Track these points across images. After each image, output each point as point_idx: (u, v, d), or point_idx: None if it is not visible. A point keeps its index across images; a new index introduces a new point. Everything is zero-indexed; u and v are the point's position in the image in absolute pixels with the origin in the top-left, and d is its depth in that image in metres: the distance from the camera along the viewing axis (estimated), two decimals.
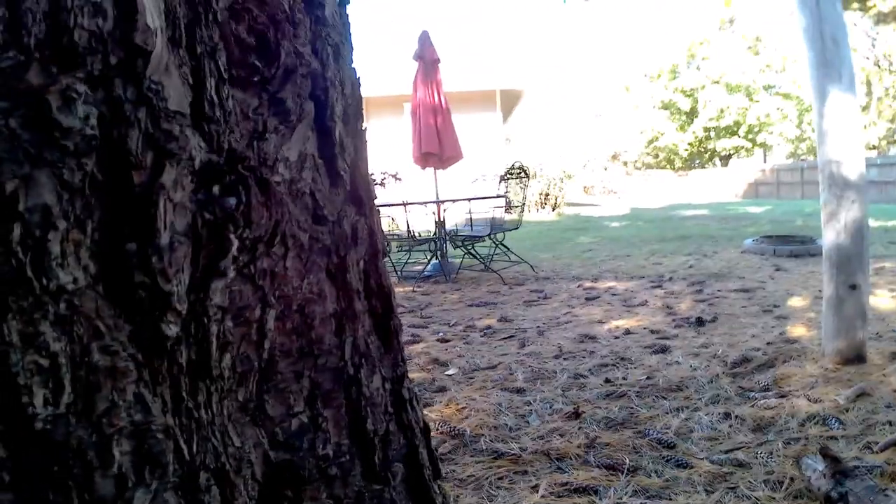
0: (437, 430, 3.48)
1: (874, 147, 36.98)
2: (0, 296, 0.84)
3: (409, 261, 10.39)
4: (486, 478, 2.94)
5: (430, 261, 9.84)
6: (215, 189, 1.07)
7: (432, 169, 10.35)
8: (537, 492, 2.73)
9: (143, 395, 0.98)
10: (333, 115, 1.38)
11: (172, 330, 1.01)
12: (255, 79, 1.17)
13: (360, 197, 1.49)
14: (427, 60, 9.87)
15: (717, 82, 45.05)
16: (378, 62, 23.55)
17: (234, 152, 1.11)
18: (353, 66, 1.51)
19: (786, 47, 41.59)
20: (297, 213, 1.27)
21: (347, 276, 1.41)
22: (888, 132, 36.46)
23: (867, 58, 34.92)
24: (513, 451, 3.13)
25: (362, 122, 1.55)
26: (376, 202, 1.63)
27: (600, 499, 2.63)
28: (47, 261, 0.86)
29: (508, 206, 9.82)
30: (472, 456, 3.20)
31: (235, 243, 1.11)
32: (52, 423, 0.89)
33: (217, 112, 1.08)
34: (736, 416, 3.42)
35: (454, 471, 3.07)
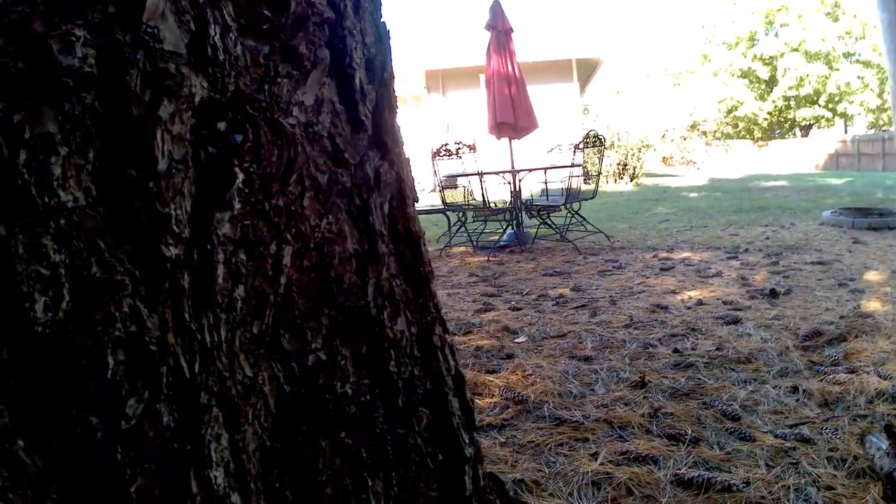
0: (502, 395, 3.48)
1: None
2: (7, 212, 0.91)
3: (485, 231, 10.36)
4: (547, 444, 2.93)
5: (505, 230, 9.77)
6: (221, 125, 1.13)
7: (507, 139, 10.28)
8: (596, 459, 2.71)
9: (139, 309, 1.03)
10: (353, 62, 1.41)
11: (171, 251, 1.06)
12: (265, 27, 1.23)
13: (385, 142, 1.52)
14: (500, 30, 9.78)
15: (797, 50, 43.70)
16: (454, 34, 23.47)
17: (241, 94, 1.17)
18: (380, 19, 1.54)
19: (864, 13, 40.12)
20: (315, 154, 1.31)
21: (370, 218, 1.45)
22: None
23: None
24: (575, 419, 3.10)
25: (390, 71, 1.57)
26: (404, 149, 1.64)
27: (659, 468, 2.60)
28: (49, 181, 0.94)
29: (585, 176, 9.71)
30: (533, 422, 3.19)
31: (241, 176, 1.16)
32: (51, 327, 0.94)
33: (221, 56, 1.14)
34: (804, 391, 3.33)
35: (515, 436, 3.06)
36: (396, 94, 1.61)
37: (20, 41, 0.91)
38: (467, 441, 1.76)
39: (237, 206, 1.15)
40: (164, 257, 1.04)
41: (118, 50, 0.99)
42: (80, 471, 0.97)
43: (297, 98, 1.26)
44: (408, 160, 1.66)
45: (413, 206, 1.67)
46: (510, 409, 3.34)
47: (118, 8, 0.99)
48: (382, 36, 1.53)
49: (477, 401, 3.46)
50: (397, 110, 1.62)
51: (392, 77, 1.58)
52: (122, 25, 0.99)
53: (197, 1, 1.09)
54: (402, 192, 1.59)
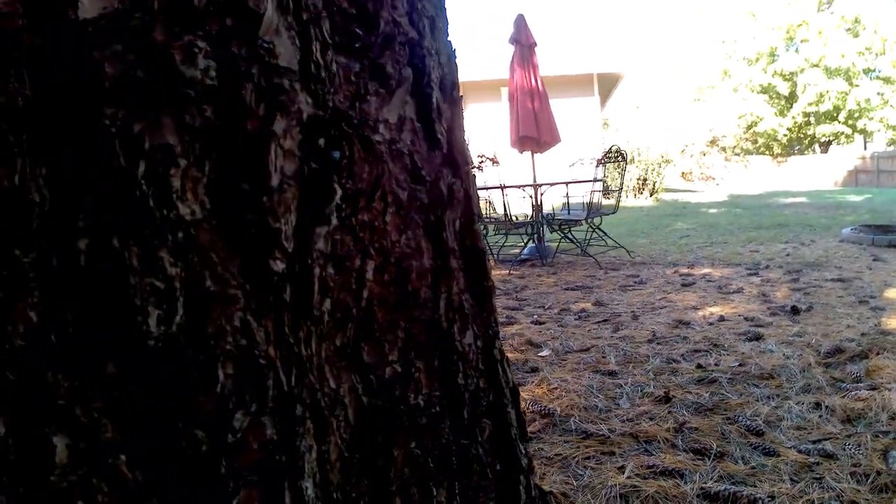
0: (528, 409, 3.49)
1: None
2: (121, 224, 0.92)
3: (506, 244, 10.40)
4: (574, 457, 2.95)
5: (526, 244, 9.78)
6: (321, 141, 1.15)
7: (530, 153, 10.31)
8: (623, 473, 2.74)
9: (249, 322, 1.05)
10: (430, 81, 1.44)
11: (279, 266, 1.08)
12: (357, 45, 1.25)
13: (457, 160, 1.55)
14: (523, 44, 9.80)
15: (817, 65, 43.46)
16: (476, 47, 23.52)
17: (338, 111, 1.19)
18: (448, 38, 1.58)
19: (885, 29, 39.93)
20: (397, 171, 1.34)
21: (444, 234, 1.48)
22: None
23: None
24: (601, 432, 3.14)
25: (458, 90, 1.61)
26: (472, 169, 1.68)
27: (685, 482, 2.63)
28: (168, 194, 0.95)
29: (606, 191, 9.73)
30: (560, 435, 3.21)
31: (339, 192, 1.19)
32: (164, 341, 0.96)
33: (322, 73, 1.16)
34: (826, 407, 3.35)
35: (542, 449, 3.08)
36: None
37: (140, 49, 0.92)
38: (523, 452, 1.80)
39: (334, 221, 1.18)
40: (271, 271, 1.07)
41: (234, 64, 1.00)
42: (182, 485, 0.99)
43: (383, 115, 1.29)
44: (474, 177, 1.69)
45: (478, 222, 1.69)
46: (537, 423, 3.36)
47: (235, 21, 1.00)
48: (451, 55, 1.57)
49: None
50: (465, 130, 1.66)
51: (461, 96, 1.61)
52: (239, 39, 1.01)
53: (301, 18, 1.10)
54: (470, 209, 1.62)
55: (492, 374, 1.69)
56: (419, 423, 1.42)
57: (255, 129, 1.04)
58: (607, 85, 25.90)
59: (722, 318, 5.38)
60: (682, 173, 36.56)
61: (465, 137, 1.67)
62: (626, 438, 3.08)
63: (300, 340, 1.14)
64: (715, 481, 2.64)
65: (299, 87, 1.10)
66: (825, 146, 47.63)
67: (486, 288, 1.69)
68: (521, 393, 3.74)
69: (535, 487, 1.96)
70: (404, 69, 1.36)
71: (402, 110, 1.36)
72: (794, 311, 5.47)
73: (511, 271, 8.66)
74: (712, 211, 18.83)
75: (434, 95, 1.45)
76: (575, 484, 2.75)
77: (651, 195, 24.87)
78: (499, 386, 1.71)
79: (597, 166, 9.63)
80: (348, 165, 1.20)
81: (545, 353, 4.66)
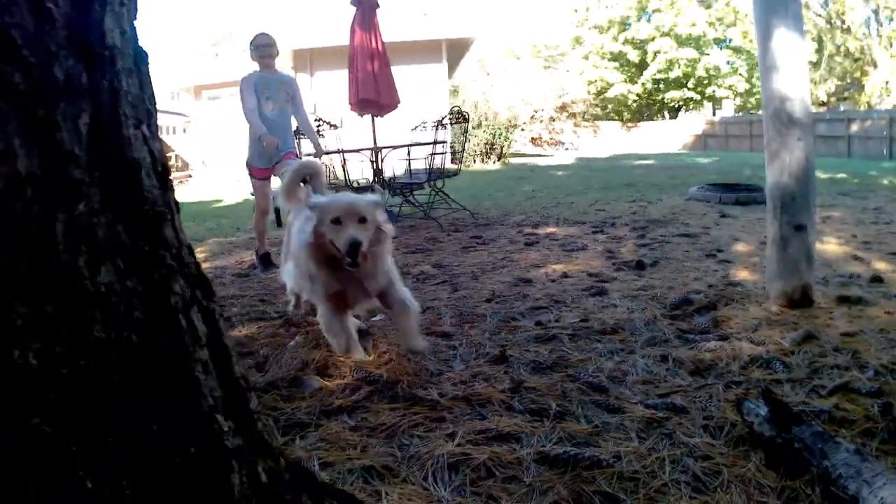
0: (353, 376, 3.29)
1: (823, 103, 37.37)
2: None
3: None
4: (400, 425, 2.75)
5: None
6: None
7: (371, 116, 10.12)
8: (453, 440, 2.53)
9: None
10: None
11: None
12: None
13: (89, 42, 1.26)
14: (365, 5, 9.61)
15: (668, 34, 45.05)
16: (322, 13, 23.21)
17: None
18: None
19: (737, 1, 41.64)
20: None
21: (58, 135, 1.18)
22: (837, 89, 36.85)
23: (819, 15, 35.11)
24: (431, 397, 2.92)
25: None
26: (131, 59, 1.36)
27: (522, 447, 2.44)
28: None
29: (452, 154, 9.66)
30: (387, 402, 3.01)
31: None
32: None
33: None
34: (674, 359, 3.25)
35: (366, 419, 2.87)
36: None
37: None
38: (229, 429, 1.42)
39: None
40: None
41: None
42: None
43: None
44: (134, 71, 1.38)
45: (136, 128, 1.36)
46: (362, 391, 3.14)
47: None
48: None
49: (327, 382, 3.28)
50: (124, 10, 1.35)
51: None
52: None
53: None
54: (118, 107, 1.30)
55: (162, 327, 1.33)
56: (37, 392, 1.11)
57: None
58: (457, 51, 25.92)
59: (565, 275, 5.30)
60: (532, 139, 37.18)
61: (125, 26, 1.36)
62: (458, 402, 2.87)
63: None
64: (554, 444, 2.45)
65: None
66: (674, 112, 49.37)
67: (150, 214, 1.35)
68: (348, 360, 3.50)
69: (272, 468, 1.55)
70: None
71: None
72: (640, 265, 5.44)
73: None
74: (560, 173, 19.16)
75: None
76: (399, 455, 2.54)
77: (499, 159, 25.21)
78: (178, 344, 1.35)
79: (436, 128, 9.48)
80: None
81: (377, 316, 4.45)
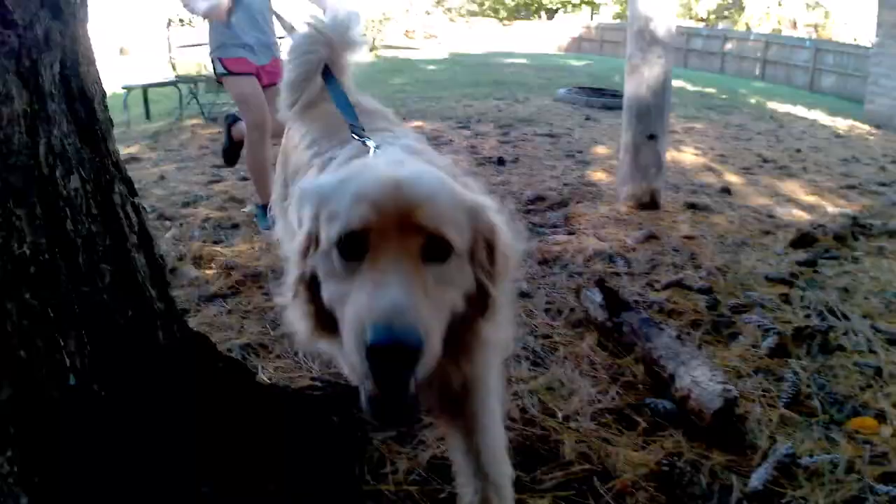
0: (228, 266, 3.49)
1: (703, 19, 38.12)
2: None
3: (218, 102, 10.16)
4: (272, 308, 2.97)
5: None
6: None
7: None
8: None
9: None
10: None
11: None
12: None
13: (58, 4, 1.56)
14: None
15: None
16: None
17: None
18: None
19: None
20: None
21: (40, 79, 1.50)
22: (718, 7, 37.56)
23: None
24: None
25: None
26: (84, 10, 1.71)
27: None
28: None
29: None
30: (260, 288, 3.26)
31: None
32: None
33: None
34: (524, 251, 3.41)
35: (240, 304, 3.12)
36: None
37: None
38: (155, 296, 1.85)
39: None
40: None
41: None
42: None
43: None
44: (84, 21, 1.72)
45: (91, 66, 1.74)
46: (232, 278, 3.36)
47: None
48: None
49: (205, 272, 3.45)
50: None
51: None
52: None
53: None
54: (77, 53, 1.65)
55: (110, 218, 1.71)
56: (29, 273, 1.43)
57: None
58: None
59: None
60: (406, 31, 36.73)
61: None
62: None
63: None
64: None
65: None
66: (551, 13, 49.30)
67: (100, 132, 1.74)
68: (222, 250, 3.71)
69: (180, 330, 2.02)
70: None
71: None
72: (500, 162, 5.60)
73: (221, 130, 8.33)
74: (431, 68, 19.08)
75: None
76: (273, 334, 2.82)
77: (370, 51, 24.85)
78: (119, 231, 1.75)
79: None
80: None
81: (248, 208, 4.56)
